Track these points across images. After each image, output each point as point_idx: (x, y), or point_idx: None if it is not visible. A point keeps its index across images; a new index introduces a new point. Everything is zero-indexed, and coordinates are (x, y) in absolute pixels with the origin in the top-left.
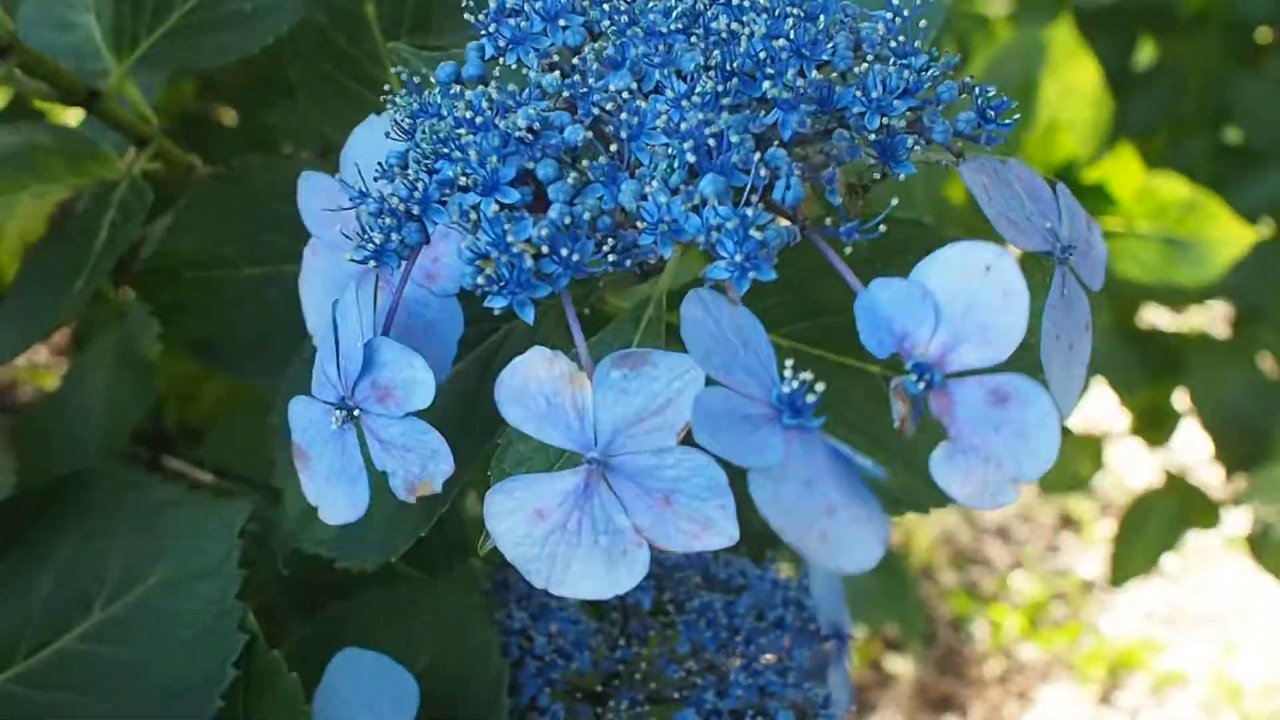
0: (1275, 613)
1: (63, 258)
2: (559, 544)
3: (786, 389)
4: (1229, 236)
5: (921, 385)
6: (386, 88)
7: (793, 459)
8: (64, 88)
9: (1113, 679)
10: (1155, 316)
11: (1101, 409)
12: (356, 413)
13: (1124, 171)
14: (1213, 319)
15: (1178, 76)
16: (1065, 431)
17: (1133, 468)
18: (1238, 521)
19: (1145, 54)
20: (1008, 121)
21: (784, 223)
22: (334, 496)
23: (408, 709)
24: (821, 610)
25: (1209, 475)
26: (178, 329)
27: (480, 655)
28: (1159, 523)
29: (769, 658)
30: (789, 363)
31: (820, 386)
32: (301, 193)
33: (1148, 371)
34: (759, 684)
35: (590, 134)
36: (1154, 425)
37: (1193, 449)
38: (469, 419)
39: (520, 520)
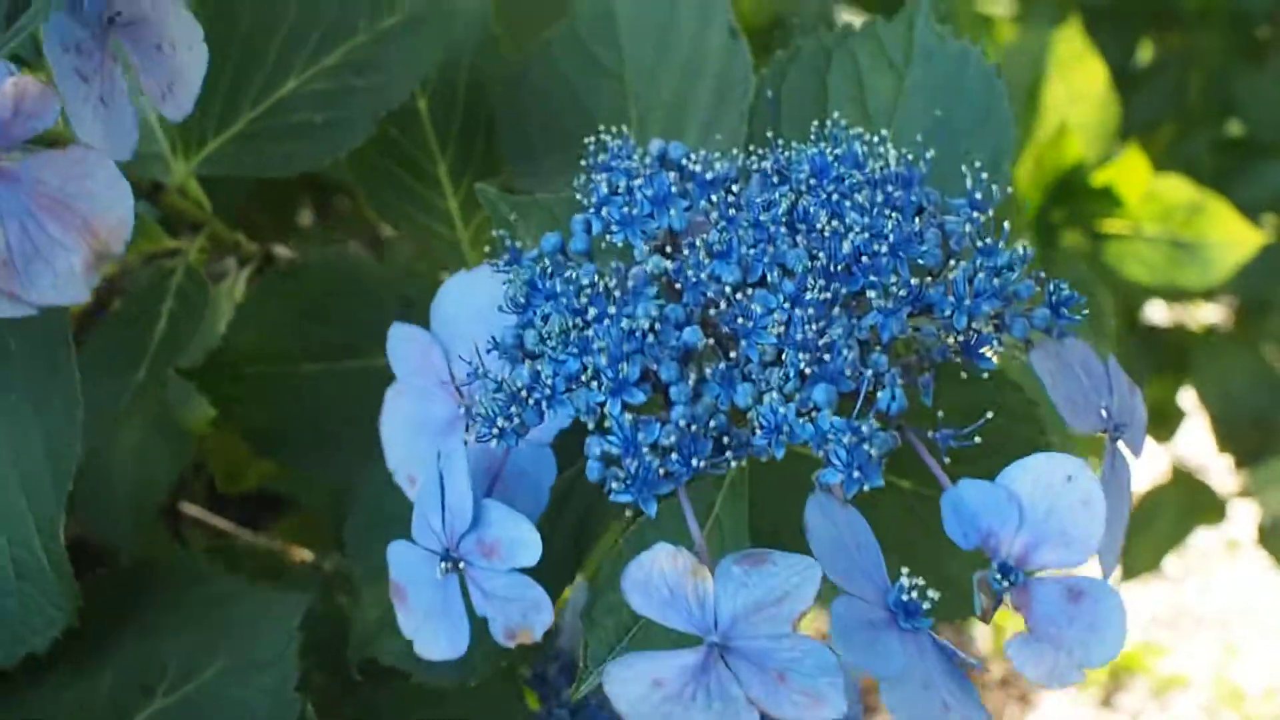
0: (1277, 615)
1: (120, 343)
2: (674, 708)
3: (904, 595)
4: (1235, 238)
5: (1006, 584)
6: (487, 250)
7: (910, 660)
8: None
9: (1114, 682)
10: (1160, 312)
11: None
12: (460, 564)
13: (1131, 174)
14: (1217, 312)
15: (1180, 72)
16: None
17: (1139, 467)
18: (1245, 516)
19: (1147, 50)
20: (1078, 315)
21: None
22: (433, 634)
23: None
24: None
25: (1215, 471)
26: (236, 420)
27: None
28: (1167, 518)
29: None
30: (904, 570)
31: (934, 594)
32: (391, 342)
33: (1153, 367)
34: None
35: (712, 340)
36: (1160, 421)
37: (1199, 445)
38: (544, 551)
39: (638, 688)
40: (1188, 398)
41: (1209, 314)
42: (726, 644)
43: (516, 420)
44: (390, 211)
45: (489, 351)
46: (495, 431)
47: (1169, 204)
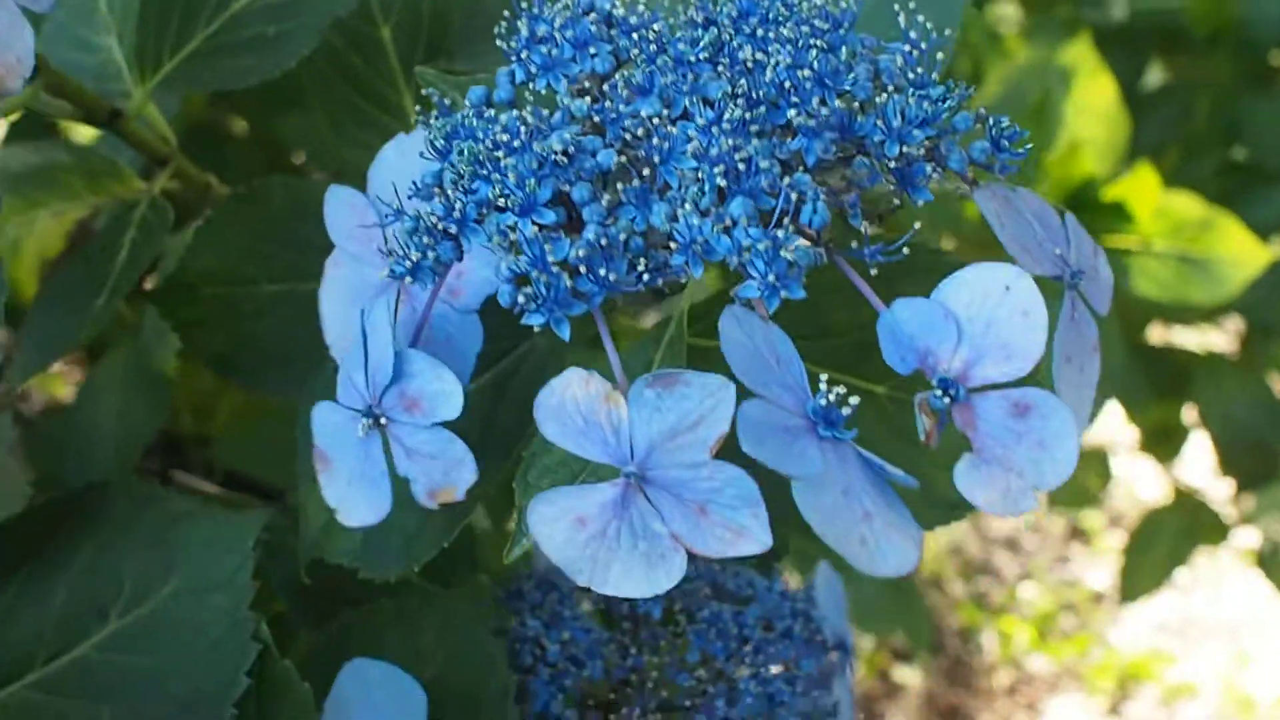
0: None
1: (83, 276)
2: (599, 549)
3: (824, 401)
4: (1244, 255)
5: (946, 400)
6: (417, 108)
7: (830, 468)
8: (87, 108)
9: (1122, 690)
10: (1165, 333)
11: (1110, 424)
12: (383, 421)
13: (1142, 190)
14: (1222, 336)
15: (1188, 96)
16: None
17: (1142, 479)
18: (1246, 538)
19: (1155, 73)
20: (1020, 150)
21: (809, 244)
22: (355, 499)
23: (416, 719)
24: (828, 621)
25: (1218, 492)
26: (197, 345)
27: (488, 666)
28: (1168, 540)
29: (777, 667)
30: (823, 378)
31: (854, 400)
32: (328, 206)
33: (1156, 388)
34: (768, 692)
35: (622, 159)
36: (1163, 441)
37: (1202, 465)
38: (485, 437)
39: (562, 527)
40: (1191, 419)
41: (1213, 338)
42: (644, 474)
43: (431, 255)
44: (354, 143)
45: (410, 197)
46: (408, 266)
47: (1179, 220)
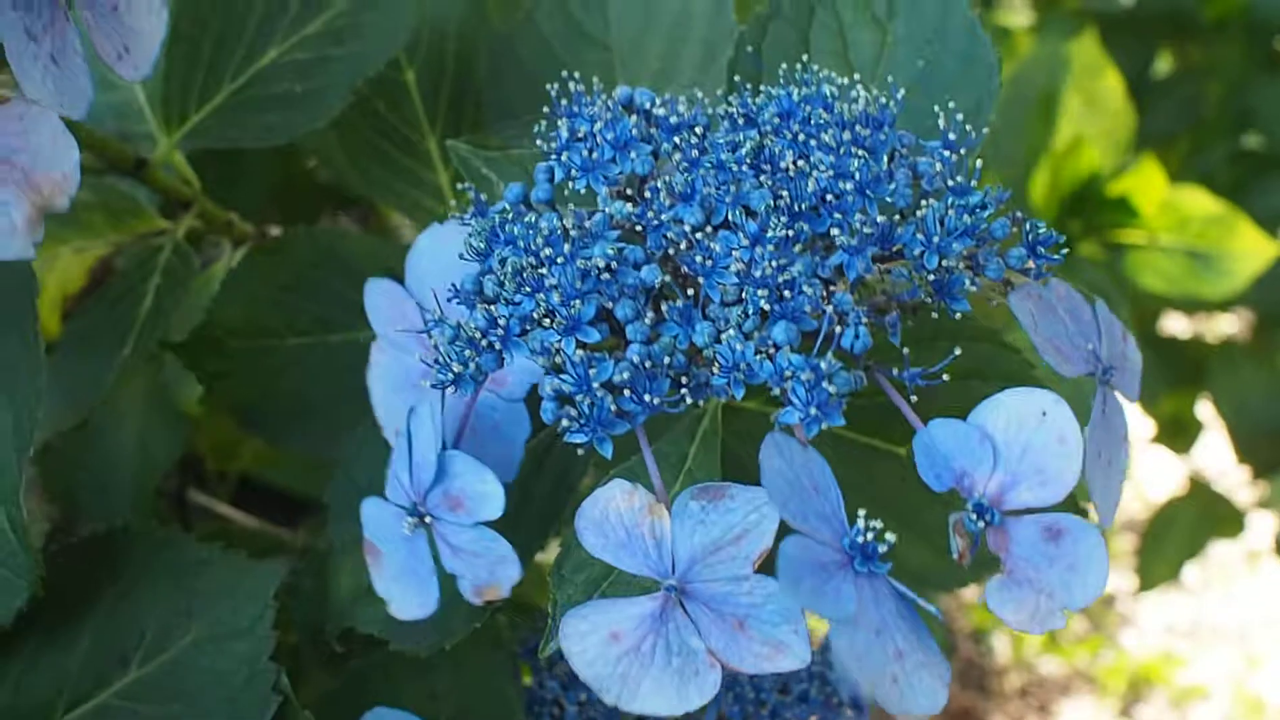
0: None
1: (107, 322)
2: (631, 665)
3: (860, 537)
4: (1251, 249)
5: (981, 524)
6: (452, 202)
7: (864, 606)
8: (112, 159)
9: (1134, 693)
10: (1177, 324)
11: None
12: (428, 519)
13: (1147, 185)
14: (1234, 325)
15: (1197, 83)
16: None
17: (1153, 480)
18: (1262, 529)
19: (1165, 62)
20: (1056, 255)
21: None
22: (404, 594)
23: None
24: (844, 682)
25: (1232, 483)
26: (221, 396)
27: (504, 713)
28: (1183, 529)
29: None
30: (861, 512)
31: (891, 536)
32: (369, 297)
33: (1171, 379)
34: None
35: (668, 276)
36: (1177, 432)
37: (1216, 457)
38: (522, 509)
39: (594, 642)
40: (1206, 409)
41: (1226, 326)
42: (684, 588)
43: (473, 365)
44: (380, 187)
45: (450, 300)
46: (451, 376)
47: (1185, 214)
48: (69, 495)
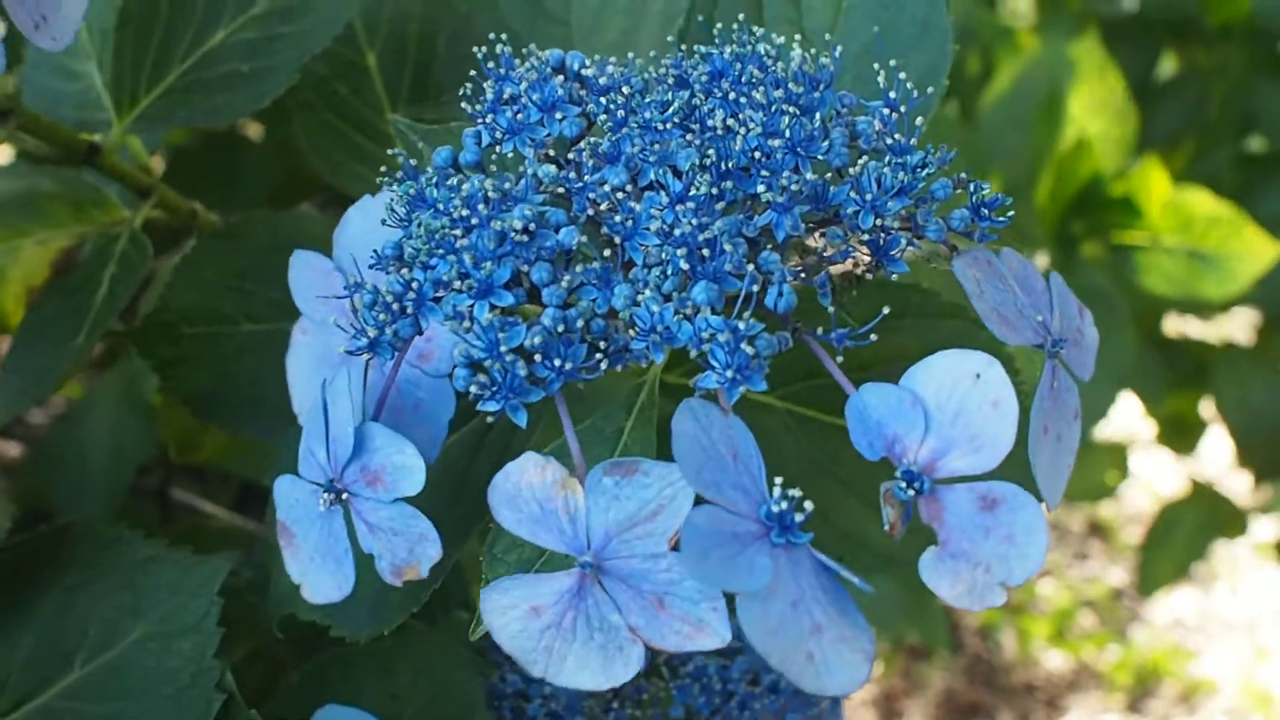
0: None
1: (64, 311)
2: (555, 639)
3: (776, 506)
4: (1254, 250)
5: (911, 492)
6: (383, 169)
7: (780, 578)
8: (63, 146)
9: (1141, 687)
10: (1181, 325)
11: (1128, 417)
12: (345, 495)
13: (1150, 185)
14: (1238, 326)
15: (1202, 86)
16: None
17: (1162, 474)
18: (1266, 529)
19: (1169, 64)
20: (1002, 218)
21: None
22: (318, 576)
23: None
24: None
25: (1236, 484)
26: (176, 384)
27: (465, 710)
28: (1186, 532)
29: None
30: (778, 480)
31: (809, 505)
32: (292, 271)
33: (1174, 380)
34: None
35: (584, 237)
36: (1180, 434)
37: (1220, 457)
38: (460, 493)
39: (516, 616)
40: (1209, 410)
41: (1230, 328)
42: (601, 564)
43: (389, 332)
44: (341, 171)
45: (371, 267)
46: (365, 342)
47: (1188, 215)
48: (43, 493)
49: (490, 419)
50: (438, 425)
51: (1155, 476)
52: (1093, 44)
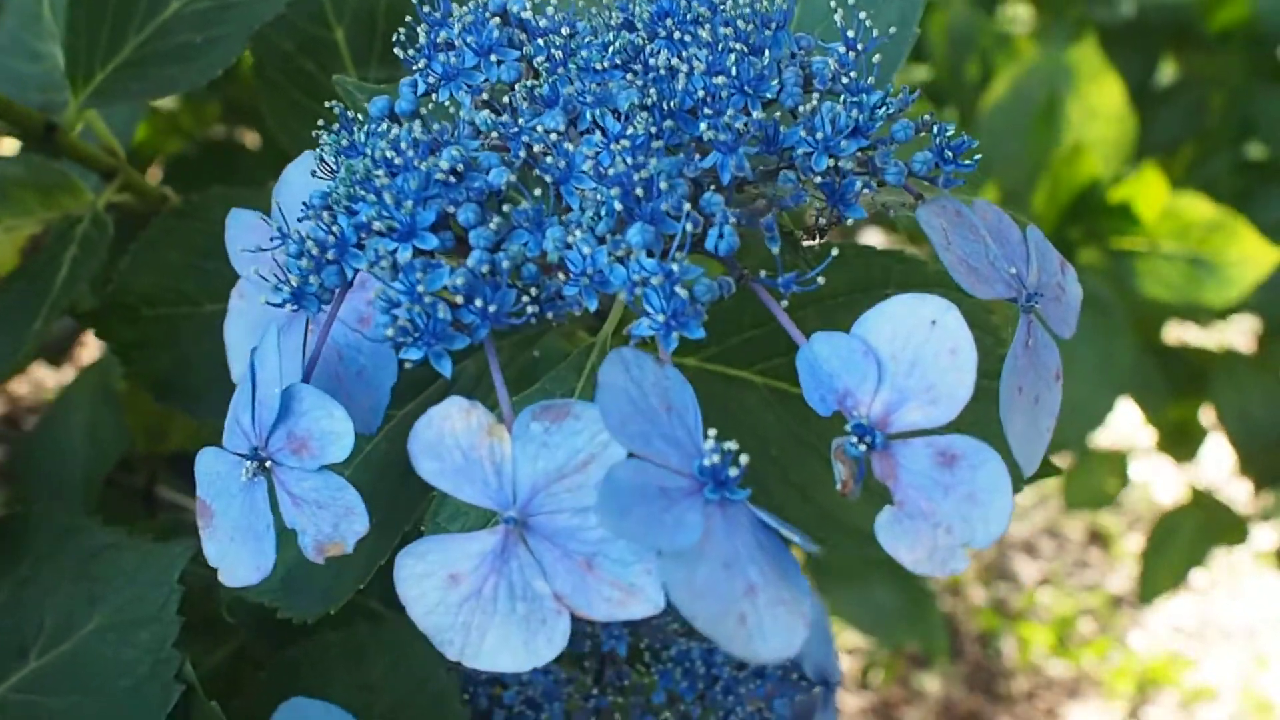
0: None
1: (25, 296)
2: (474, 612)
3: (710, 460)
4: (1253, 256)
5: (862, 447)
6: (320, 122)
7: (712, 537)
8: (19, 123)
9: (1141, 695)
10: (1180, 333)
11: (1128, 425)
12: (268, 464)
13: (1149, 191)
14: (1238, 334)
15: (1201, 92)
16: (1051, 469)
17: (1161, 482)
18: (1266, 537)
19: (1168, 70)
20: (968, 162)
21: (714, 276)
22: (237, 556)
23: None
24: (808, 656)
25: (1236, 491)
26: (138, 367)
27: (439, 703)
28: (1186, 540)
29: (749, 708)
30: (712, 432)
31: (745, 458)
32: (229, 230)
33: (1173, 388)
34: None
35: (515, 178)
36: (1180, 442)
37: (1220, 465)
38: (413, 468)
39: (432, 585)
40: (1208, 418)
41: (1229, 336)
42: (526, 520)
43: (314, 280)
44: (308, 149)
45: (301, 220)
46: (288, 292)
47: (1186, 221)
48: (25, 495)
49: (444, 391)
50: (380, 392)
51: (1154, 485)
52: (1091, 49)
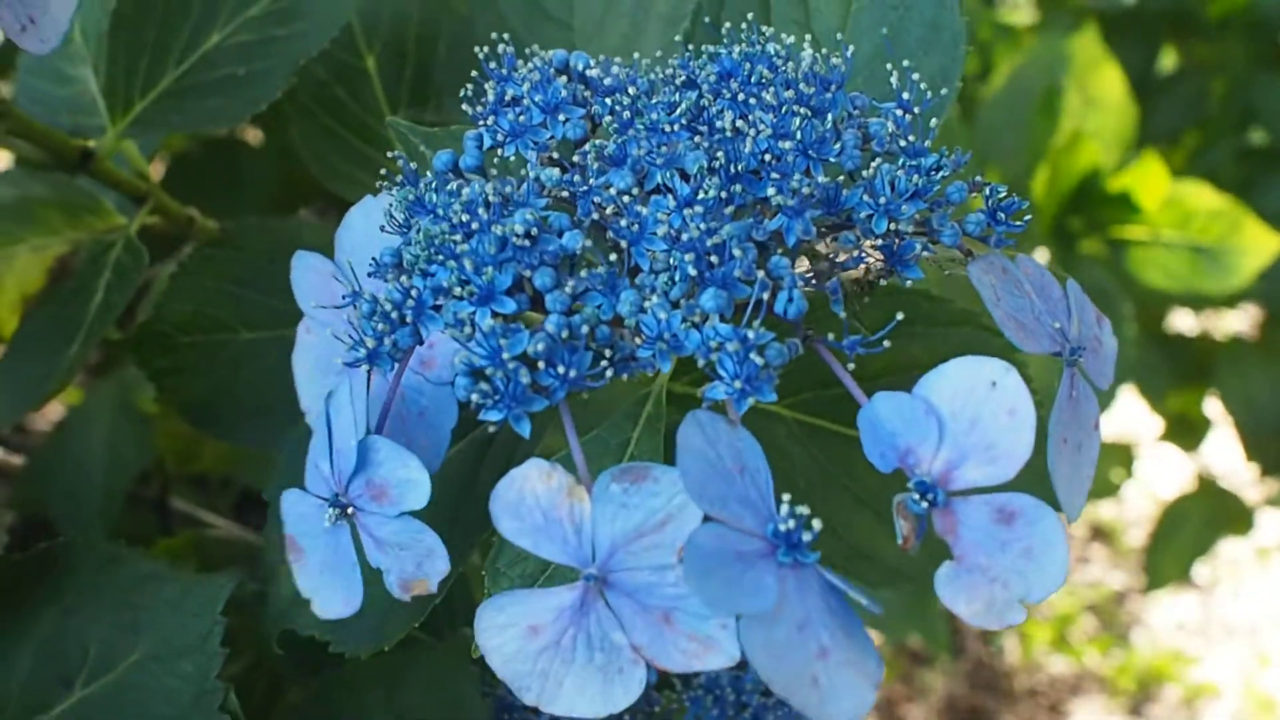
0: None
1: (58, 320)
2: (552, 661)
3: (784, 524)
4: (1255, 244)
5: (925, 505)
6: (383, 171)
7: (787, 599)
8: (55, 151)
9: (1143, 692)
10: (1184, 321)
11: (1132, 416)
12: (350, 510)
13: (1149, 180)
14: (1241, 321)
15: (1202, 80)
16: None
17: (1164, 477)
18: (1271, 526)
19: (1169, 59)
20: (1019, 222)
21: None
22: (328, 591)
23: None
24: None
25: (1241, 480)
26: (172, 394)
27: None
28: (1192, 527)
29: None
30: (786, 497)
31: (818, 523)
32: (295, 273)
33: (1178, 377)
34: None
35: (589, 242)
36: (1185, 430)
37: (1225, 455)
38: (463, 504)
39: (512, 636)
40: (1214, 407)
41: (1234, 323)
42: (606, 577)
43: (388, 342)
44: (340, 176)
45: (370, 275)
46: (364, 354)
47: (1188, 210)
48: (42, 504)
49: (492, 429)
50: (441, 433)
51: (1157, 480)
52: (1091, 38)
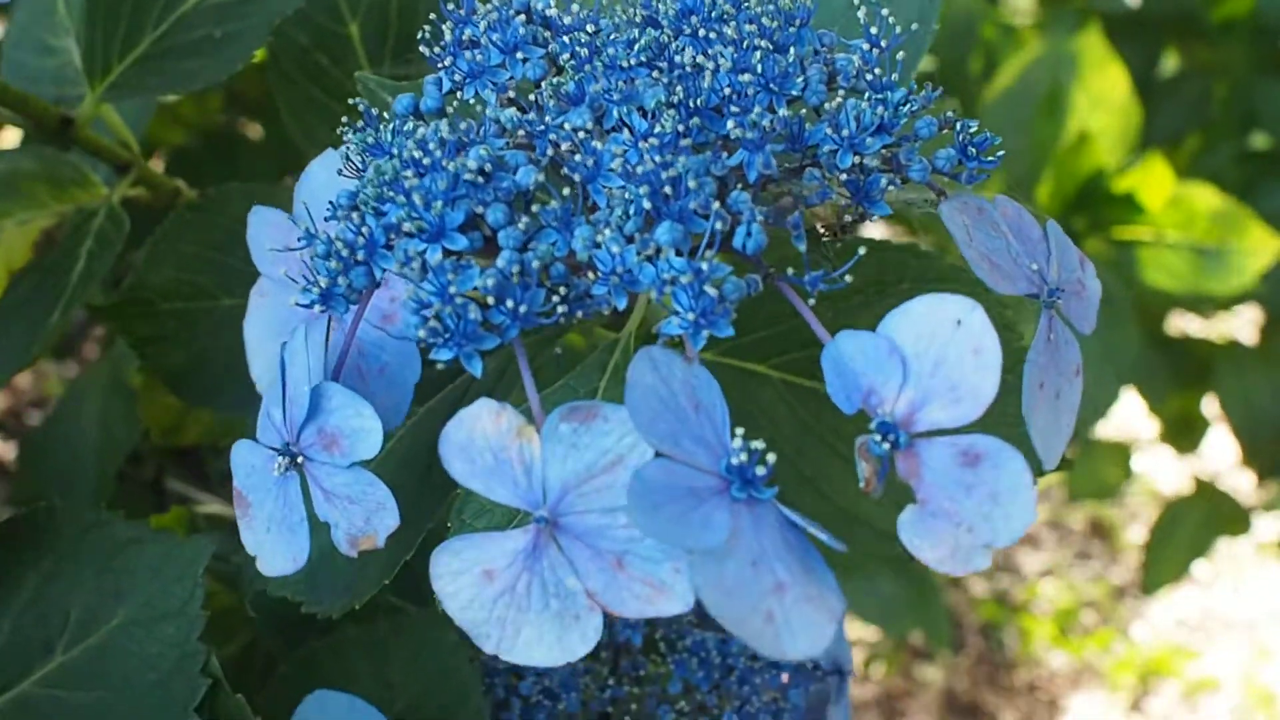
0: None
1: (40, 289)
2: (508, 608)
3: (737, 459)
4: (1259, 246)
5: (886, 445)
6: (344, 119)
7: (740, 535)
8: (35, 117)
9: (1143, 686)
10: (1184, 323)
11: (1131, 416)
12: (300, 460)
13: (1153, 181)
14: (1241, 325)
15: (1203, 84)
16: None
17: (1163, 473)
18: (1269, 528)
19: (1171, 61)
20: (991, 158)
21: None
22: (273, 547)
23: None
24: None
25: (1239, 482)
26: (154, 362)
27: (460, 696)
28: (1189, 530)
29: (764, 698)
30: (739, 431)
31: (771, 457)
32: (251, 228)
33: (1177, 378)
34: None
35: (543, 177)
36: (1183, 432)
37: (1223, 456)
38: (434, 463)
39: (467, 582)
40: (1212, 409)
41: (1233, 327)
42: (557, 520)
43: (342, 282)
44: (323, 144)
45: (327, 219)
46: (317, 293)
47: (1192, 211)
48: (37, 490)
49: (466, 387)
50: (404, 390)
51: (1157, 477)
52: (1096, 39)
